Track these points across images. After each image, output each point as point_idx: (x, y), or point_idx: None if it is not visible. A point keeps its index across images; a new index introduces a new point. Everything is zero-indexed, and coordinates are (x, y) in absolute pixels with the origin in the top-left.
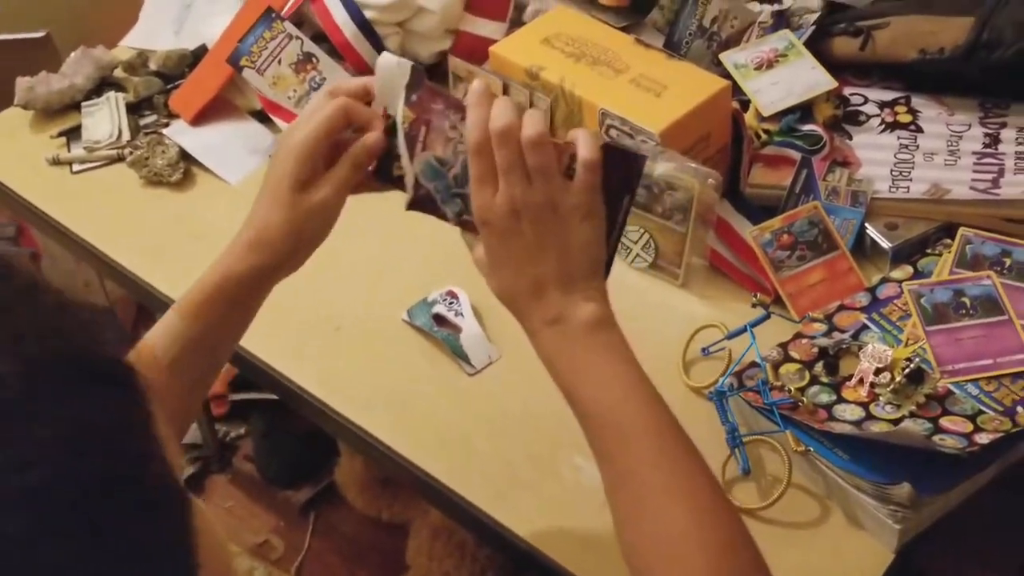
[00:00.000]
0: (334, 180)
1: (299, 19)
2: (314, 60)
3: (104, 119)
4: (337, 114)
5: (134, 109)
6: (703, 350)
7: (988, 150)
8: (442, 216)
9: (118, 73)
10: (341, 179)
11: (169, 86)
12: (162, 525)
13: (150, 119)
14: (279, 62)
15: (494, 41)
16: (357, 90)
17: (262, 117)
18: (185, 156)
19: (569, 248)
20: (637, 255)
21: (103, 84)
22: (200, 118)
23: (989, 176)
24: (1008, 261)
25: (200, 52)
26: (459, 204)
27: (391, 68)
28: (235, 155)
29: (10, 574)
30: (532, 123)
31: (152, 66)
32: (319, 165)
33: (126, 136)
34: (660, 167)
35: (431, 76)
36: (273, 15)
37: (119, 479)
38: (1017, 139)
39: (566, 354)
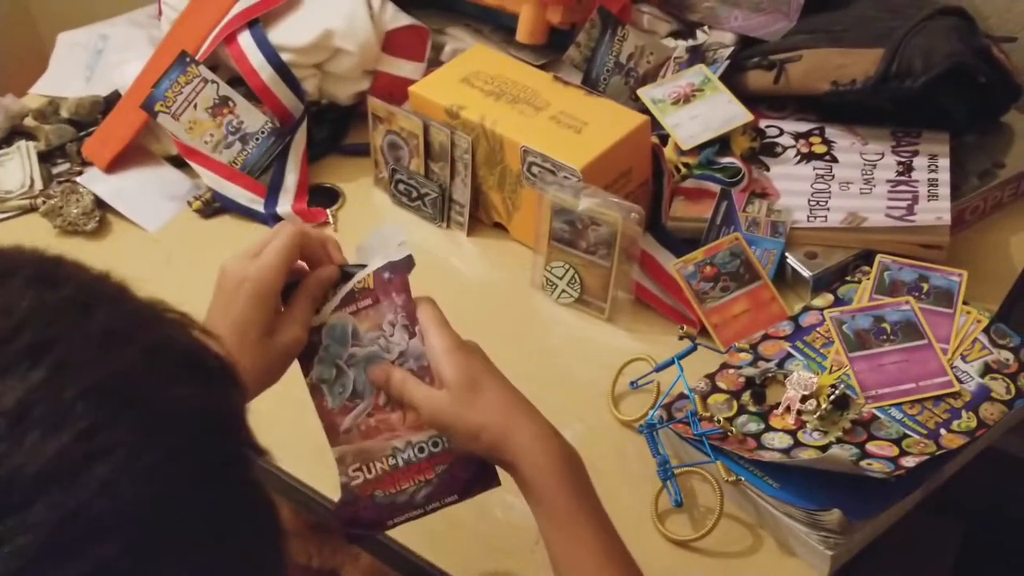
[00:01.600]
0: (300, 319)
1: (215, 63)
2: (231, 104)
3: (15, 169)
4: (293, 244)
5: (46, 158)
6: (632, 383)
7: (902, 178)
8: (305, 370)
9: (28, 121)
10: (306, 317)
11: (82, 133)
12: (268, 513)
13: (63, 167)
14: (195, 107)
15: (413, 81)
16: (315, 236)
17: (179, 163)
18: (100, 204)
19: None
20: (563, 291)
21: (13, 133)
22: (115, 165)
23: (904, 203)
24: (925, 286)
25: (113, 98)
26: (331, 373)
27: (391, 237)
28: (152, 202)
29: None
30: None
31: (64, 113)
32: (279, 303)
33: (38, 185)
34: (583, 203)
35: (348, 117)
36: (188, 59)
37: (235, 459)
38: (929, 166)
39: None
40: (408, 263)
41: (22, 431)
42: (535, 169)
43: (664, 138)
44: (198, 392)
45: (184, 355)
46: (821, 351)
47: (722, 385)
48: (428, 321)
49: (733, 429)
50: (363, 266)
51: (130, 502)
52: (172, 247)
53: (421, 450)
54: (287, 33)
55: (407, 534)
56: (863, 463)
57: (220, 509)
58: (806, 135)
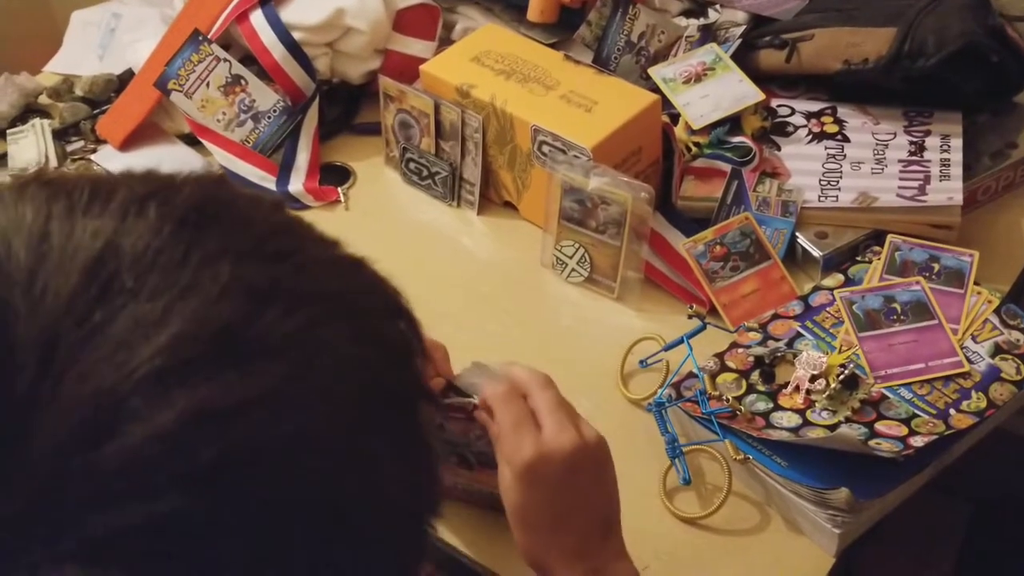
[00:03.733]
0: None
1: (227, 41)
2: (243, 82)
3: (30, 146)
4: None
5: (60, 135)
6: (641, 362)
7: (914, 158)
8: None
9: (43, 99)
10: None
11: (96, 111)
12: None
13: (77, 145)
14: (207, 85)
15: (424, 60)
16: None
17: (191, 140)
18: None
19: (609, 490)
20: (573, 270)
21: (28, 111)
22: (128, 143)
23: (915, 183)
24: (936, 266)
25: (126, 76)
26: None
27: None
28: None
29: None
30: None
31: (78, 91)
32: None
33: (53, 163)
34: (593, 182)
35: (360, 96)
36: (200, 38)
37: (416, 389)
38: (941, 146)
39: None
40: None
41: (267, 306)
42: (545, 148)
43: (675, 117)
44: (398, 329)
45: (391, 300)
46: (831, 331)
47: (731, 364)
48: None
49: (742, 408)
50: (465, 392)
51: (336, 389)
52: None
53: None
54: (299, 12)
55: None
56: (871, 442)
57: (399, 431)
58: (818, 114)
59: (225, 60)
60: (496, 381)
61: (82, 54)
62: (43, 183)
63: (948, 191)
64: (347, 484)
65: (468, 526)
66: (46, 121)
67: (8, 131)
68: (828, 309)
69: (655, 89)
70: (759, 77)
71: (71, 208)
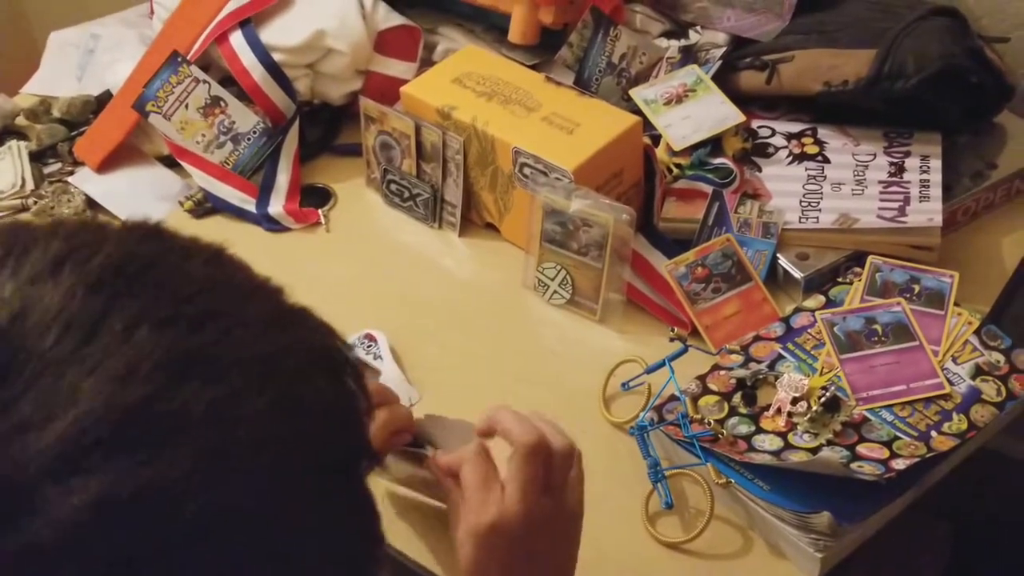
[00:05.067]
0: None
1: (206, 62)
2: (222, 104)
3: (7, 168)
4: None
5: (37, 157)
6: (623, 385)
7: (894, 179)
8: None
9: (20, 121)
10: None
11: (73, 133)
12: (372, 516)
13: (54, 167)
14: (186, 107)
15: (405, 81)
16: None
17: (170, 163)
18: (92, 204)
19: (566, 557)
20: (555, 292)
21: (5, 132)
22: (106, 165)
23: (895, 204)
24: (917, 288)
25: (104, 98)
26: None
27: (461, 433)
28: (144, 202)
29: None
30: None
31: (55, 113)
32: None
33: (30, 185)
34: (575, 204)
35: (340, 117)
36: (179, 59)
37: (354, 457)
38: (921, 167)
39: None
40: None
41: (183, 380)
42: (527, 170)
43: (656, 139)
44: (334, 389)
45: (325, 356)
46: (812, 352)
47: (713, 387)
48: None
49: (724, 431)
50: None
51: (254, 466)
52: None
53: None
54: (279, 33)
55: (392, 534)
56: (853, 465)
57: (332, 499)
58: (798, 136)
59: (204, 81)
60: (452, 432)
61: (60, 75)
62: None
63: (928, 212)
64: (277, 562)
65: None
66: (23, 143)
67: None
68: (809, 331)
69: (636, 111)
70: (740, 98)
71: None
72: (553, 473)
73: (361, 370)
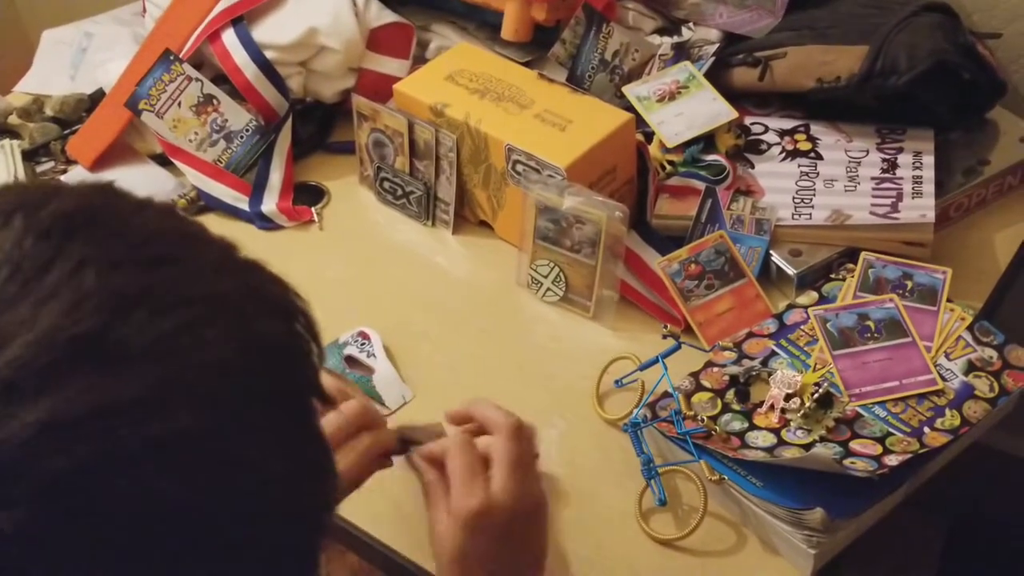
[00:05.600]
0: (355, 479)
1: (199, 61)
2: (215, 102)
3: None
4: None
5: (30, 156)
6: (616, 382)
7: (886, 175)
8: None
9: (13, 120)
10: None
11: (66, 132)
12: (324, 451)
13: (47, 166)
14: (179, 105)
15: (398, 79)
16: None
17: (163, 161)
18: None
19: (539, 548)
20: (548, 289)
21: None
22: (99, 163)
23: (888, 200)
24: (910, 284)
25: (97, 96)
26: None
27: (441, 431)
28: None
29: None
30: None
31: (48, 112)
32: None
33: None
34: (568, 201)
35: (333, 115)
36: (172, 57)
37: (305, 394)
38: (914, 163)
39: None
40: None
41: (130, 313)
42: (519, 167)
43: (649, 135)
44: (285, 330)
45: (279, 301)
46: (805, 349)
47: (706, 383)
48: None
49: (717, 428)
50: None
51: (202, 392)
52: None
53: None
54: (271, 31)
55: (391, 535)
56: (846, 461)
57: (282, 430)
58: (791, 132)
59: (197, 80)
60: (427, 434)
61: (53, 73)
62: None
63: (920, 208)
64: (225, 491)
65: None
66: (16, 142)
67: None
68: (802, 327)
69: (629, 107)
70: (732, 95)
71: None
72: (528, 455)
73: (312, 320)
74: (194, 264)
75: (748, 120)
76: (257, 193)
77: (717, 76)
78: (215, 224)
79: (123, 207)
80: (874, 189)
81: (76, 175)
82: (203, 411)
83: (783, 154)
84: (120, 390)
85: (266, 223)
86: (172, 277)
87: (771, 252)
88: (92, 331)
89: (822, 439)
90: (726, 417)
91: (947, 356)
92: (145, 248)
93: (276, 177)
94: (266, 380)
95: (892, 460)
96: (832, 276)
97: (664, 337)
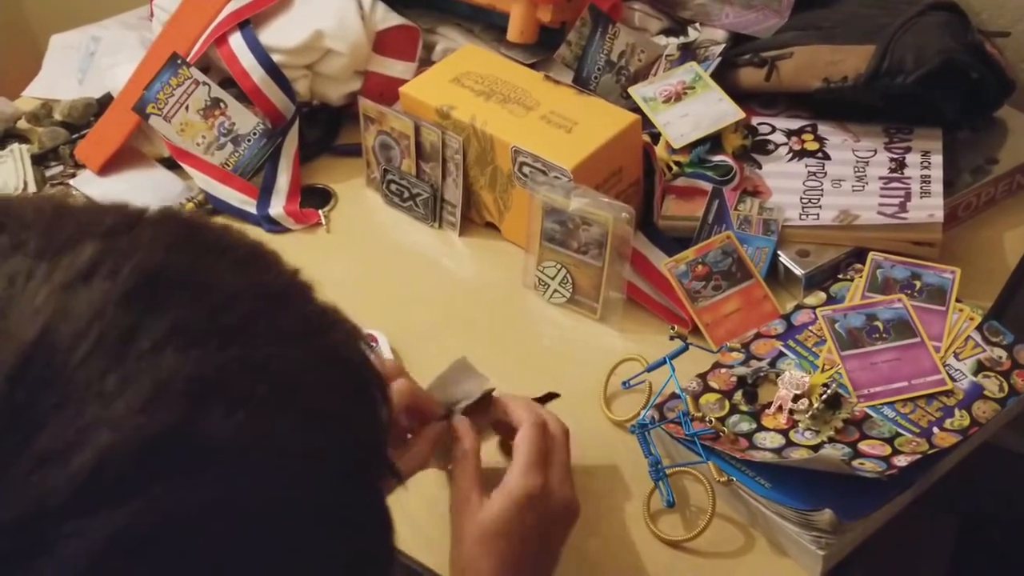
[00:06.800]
0: (419, 462)
1: (206, 64)
2: (222, 106)
3: (9, 172)
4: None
5: (39, 160)
6: (624, 383)
7: (894, 175)
8: None
9: (21, 124)
10: (424, 461)
11: (75, 136)
12: (386, 532)
13: (56, 170)
14: (186, 109)
15: (404, 81)
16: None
17: (171, 165)
18: None
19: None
20: (555, 291)
21: (6, 136)
22: (108, 167)
23: (896, 200)
24: (918, 284)
25: (105, 100)
26: None
27: (472, 374)
28: (145, 203)
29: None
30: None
31: (57, 116)
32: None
33: (32, 188)
34: (574, 203)
35: (340, 118)
36: (179, 61)
37: (373, 472)
38: (922, 163)
39: None
40: (488, 399)
41: (208, 405)
42: (526, 169)
43: (655, 136)
44: (359, 402)
45: (352, 367)
46: (813, 350)
47: (714, 385)
48: (529, 441)
49: (725, 429)
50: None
51: (273, 483)
52: None
53: None
54: (278, 34)
55: (402, 540)
56: (855, 462)
57: (349, 510)
58: (798, 132)
59: (204, 83)
60: (480, 381)
61: (61, 78)
62: None
63: (929, 208)
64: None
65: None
66: (25, 146)
67: None
68: (810, 328)
69: (635, 108)
70: (739, 95)
71: (12, 279)
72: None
73: (385, 378)
74: (272, 332)
75: (755, 120)
76: (264, 196)
77: (723, 76)
78: None
79: (203, 262)
80: (882, 189)
81: (85, 179)
82: (271, 500)
83: (790, 154)
84: (191, 496)
85: (274, 226)
86: (249, 353)
87: (778, 253)
88: (168, 431)
89: (830, 440)
90: (734, 418)
91: (956, 356)
92: (223, 315)
93: (283, 180)
94: (339, 460)
95: (901, 461)
96: (840, 276)
97: (671, 338)
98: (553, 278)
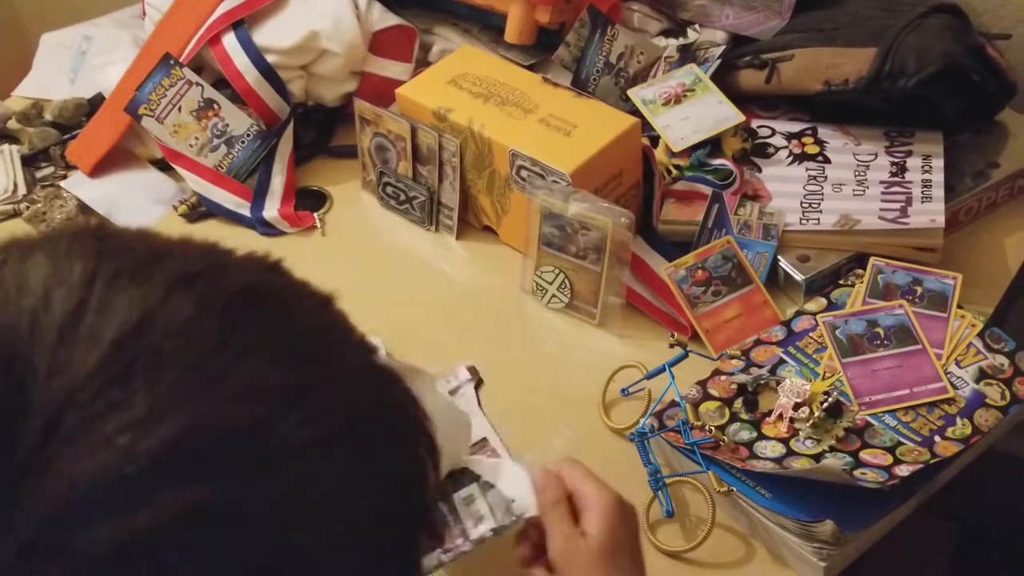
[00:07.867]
0: None
1: (199, 65)
2: (216, 107)
3: None
4: None
5: (29, 161)
6: (623, 391)
7: (895, 179)
8: None
9: (12, 124)
10: None
11: (66, 136)
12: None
13: (47, 171)
14: (179, 109)
15: (400, 82)
16: None
17: (164, 166)
18: (84, 209)
19: None
20: (553, 296)
21: None
22: (99, 169)
23: (897, 205)
24: (919, 289)
25: (97, 101)
26: None
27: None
28: (137, 206)
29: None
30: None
31: (48, 116)
32: None
33: (22, 190)
34: (573, 207)
35: (335, 119)
36: (172, 61)
37: (414, 525)
38: (923, 167)
39: None
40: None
41: (288, 412)
42: (524, 173)
43: (655, 139)
44: (410, 457)
45: (409, 423)
46: (814, 356)
47: (714, 392)
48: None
49: (725, 438)
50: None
51: (335, 504)
52: None
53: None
54: (272, 34)
55: None
56: (856, 472)
57: (385, 561)
58: (798, 135)
59: (197, 84)
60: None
61: (53, 77)
62: (99, 238)
63: (930, 213)
64: None
65: None
66: (15, 147)
67: None
68: (811, 334)
69: (634, 111)
70: (739, 98)
71: (116, 274)
72: None
73: (434, 439)
74: (344, 370)
75: (755, 123)
76: (259, 199)
77: (723, 78)
78: (216, 230)
79: (290, 292)
80: (883, 193)
81: (76, 181)
82: (320, 526)
83: (790, 158)
84: (253, 494)
85: (268, 229)
86: (327, 379)
87: (779, 258)
88: (244, 428)
89: (831, 449)
90: (734, 427)
91: (958, 363)
92: (303, 343)
93: (278, 182)
94: (383, 503)
95: (903, 470)
96: (841, 282)
97: (671, 347)
98: (551, 283)
